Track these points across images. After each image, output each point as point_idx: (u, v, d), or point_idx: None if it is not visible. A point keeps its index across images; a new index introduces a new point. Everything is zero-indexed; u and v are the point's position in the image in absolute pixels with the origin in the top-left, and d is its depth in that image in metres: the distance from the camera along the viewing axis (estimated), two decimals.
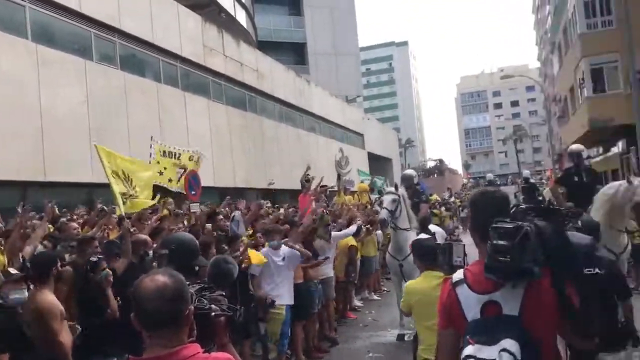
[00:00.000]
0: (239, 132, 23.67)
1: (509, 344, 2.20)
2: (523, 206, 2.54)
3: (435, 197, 20.12)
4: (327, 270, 8.83)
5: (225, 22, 26.56)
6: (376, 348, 8.45)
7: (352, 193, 15.88)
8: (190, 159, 9.69)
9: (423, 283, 4.39)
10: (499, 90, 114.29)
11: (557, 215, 2.50)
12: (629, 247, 7.42)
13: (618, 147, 25.80)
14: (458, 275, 2.51)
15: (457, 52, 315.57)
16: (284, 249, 7.17)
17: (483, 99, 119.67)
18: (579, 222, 4.63)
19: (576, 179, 8.38)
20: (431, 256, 4.33)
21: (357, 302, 11.62)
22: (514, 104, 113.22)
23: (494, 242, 2.29)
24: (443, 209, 19.65)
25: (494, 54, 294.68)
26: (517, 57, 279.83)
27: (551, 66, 42.97)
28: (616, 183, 7.57)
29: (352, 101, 49.84)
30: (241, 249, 6.59)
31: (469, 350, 2.28)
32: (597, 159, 30.64)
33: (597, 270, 4.38)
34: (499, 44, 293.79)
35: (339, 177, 14.26)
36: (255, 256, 6.91)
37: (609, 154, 27.68)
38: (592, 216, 7.00)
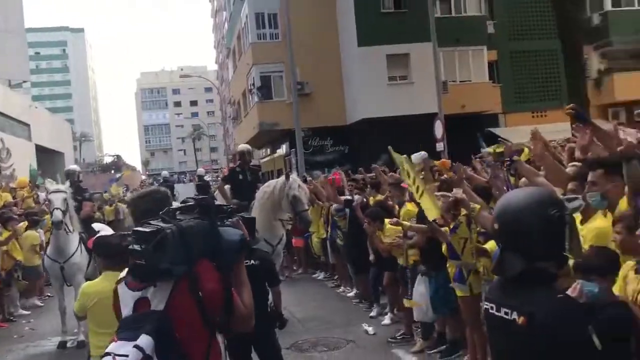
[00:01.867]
0: None
1: (143, 340, 2.26)
2: (174, 206, 2.59)
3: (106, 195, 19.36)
4: None
5: None
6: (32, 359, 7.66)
7: (13, 189, 14.17)
8: None
9: (103, 284, 3.98)
10: (178, 89, 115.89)
11: (218, 211, 2.61)
12: (284, 238, 8.26)
13: (282, 149, 28.67)
14: (123, 273, 2.56)
15: (138, 46, 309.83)
16: None
17: (163, 96, 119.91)
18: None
19: (241, 177, 8.94)
20: (115, 255, 3.98)
21: (22, 311, 10.40)
22: (193, 103, 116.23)
23: (129, 246, 2.36)
24: (125, 206, 19.03)
25: (175, 53, 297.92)
26: (198, 57, 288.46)
27: (227, 70, 45.41)
28: (274, 180, 8.32)
29: (17, 86, 44.47)
30: None
31: (110, 347, 2.30)
32: (266, 159, 33.55)
33: (252, 261, 4.78)
34: (181, 43, 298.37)
35: None
36: None
37: (275, 155, 30.58)
38: (254, 213, 7.57)
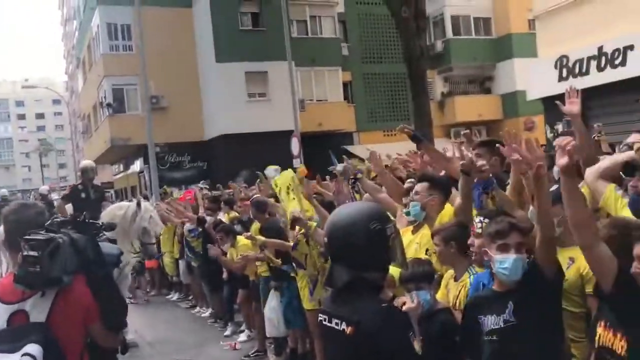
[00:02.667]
0: None
1: (32, 348, 2.33)
2: (59, 219, 2.71)
3: None
4: None
5: None
6: None
7: None
8: None
9: None
10: (22, 101, 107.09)
11: (92, 227, 2.75)
12: (132, 261, 7.87)
13: (137, 165, 27.51)
14: None
15: None
16: None
17: (4, 108, 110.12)
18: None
19: (84, 195, 8.45)
20: None
21: None
22: (40, 116, 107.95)
23: (25, 253, 2.40)
24: None
25: (19, 62, 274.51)
26: (45, 67, 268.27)
27: (77, 81, 42.86)
28: (125, 204, 7.93)
29: None
30: None
31: None
32: (119, 175, 32.02)
33: None
34: (26, 51, 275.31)
35: None
36: None
37: (129, 171, 29.26)
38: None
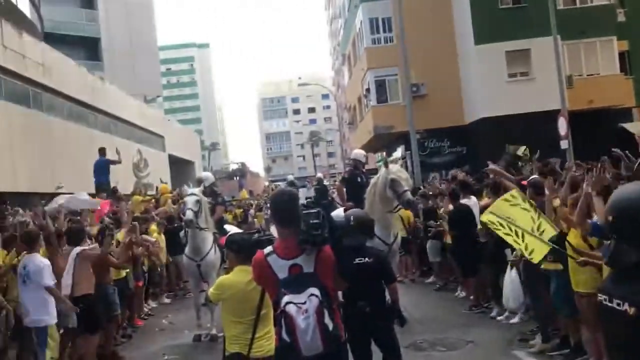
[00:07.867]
0: (21, 131, 21.49)
1: (313, 290, 3.17)
2: (304, 201, 3.62)
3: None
4: None
5: (4, 9, 23.94)
6: (172, 350, 8.34)
7: (152, 197, 15.39)
8: None
9: (237, 278, 4.34)
10: (297, 97, 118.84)
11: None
12: (399, 237, 8.32)
13: (398, 152, 28.65)
14: (268, 249, 3.46)
15: (258, 57, 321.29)
16: (31, 261, 6.40)
17: (282, 104, 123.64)
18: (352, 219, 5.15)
19: (359, 180, 9.18)
20: (247, 251, 4.33)
21: (152, 304, 11.64)
22: (311, 110, 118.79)
23: (311, 221, 3.25)
24: (253, 211, 20.72)
25: (294, 62, 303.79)
26: (315, 65, 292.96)
27: (343, 76, 46.11)
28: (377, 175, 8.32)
29: (151, 101, 48.25)
30: None
31: (286, 298, 3.18)
32: (382, 163, 33.66)
33: (366, 259, 4.96)
34: (298, 51, 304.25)
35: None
36: None
37: (391, 158, 30.61)
38: (366, 211, 7.72)
